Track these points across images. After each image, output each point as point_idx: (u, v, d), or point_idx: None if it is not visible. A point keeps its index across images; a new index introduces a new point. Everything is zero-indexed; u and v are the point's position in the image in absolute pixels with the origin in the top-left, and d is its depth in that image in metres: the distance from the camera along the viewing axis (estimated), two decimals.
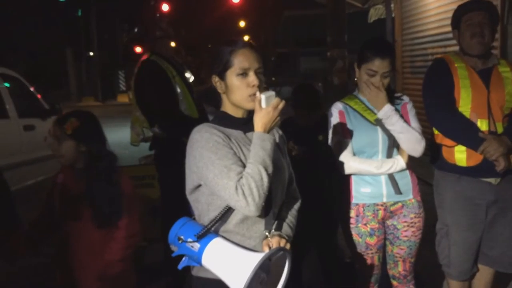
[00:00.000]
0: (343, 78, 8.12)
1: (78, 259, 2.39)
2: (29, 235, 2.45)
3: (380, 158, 2.51)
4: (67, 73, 26.96)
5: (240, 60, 1.78)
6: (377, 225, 2.54)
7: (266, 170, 1.65)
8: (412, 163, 2.56)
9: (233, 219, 1.74)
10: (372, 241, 2.54)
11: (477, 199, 2.71)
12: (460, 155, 2.68)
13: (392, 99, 2.54)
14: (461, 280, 2.82)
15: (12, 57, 18.60)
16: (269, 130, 1.72)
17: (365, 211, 2.53)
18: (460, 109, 2.66)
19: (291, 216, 1.90)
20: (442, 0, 6.90)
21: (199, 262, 1.66)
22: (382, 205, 2.53)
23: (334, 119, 2.56)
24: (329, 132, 2.59)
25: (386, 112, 2.46)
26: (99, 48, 27.58)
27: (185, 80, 3.68)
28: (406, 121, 2.49)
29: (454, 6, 2.98)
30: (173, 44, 3.96)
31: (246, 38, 2.20)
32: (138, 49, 21.00)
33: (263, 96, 1.71)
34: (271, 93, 1.73)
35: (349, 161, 2.49)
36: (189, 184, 1.80)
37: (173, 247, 1.74)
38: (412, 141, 2.45)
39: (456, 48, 2.89)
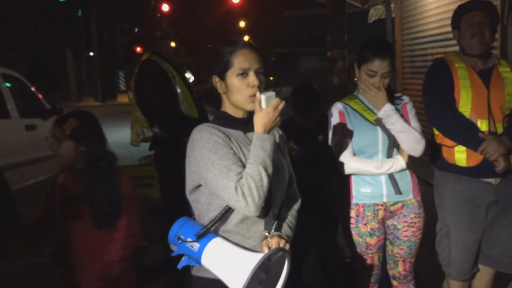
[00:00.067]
0: (343, 78, 8.12)
1: (78, 259, 2.39)
2: (29, 235, 2.45)
3: (380, 158, 2.51)
4: (67, 73, 26.94)
5: (240, 60, 1.78)
6: (377, 225, 2.54)
7: (266, 170, 1.65)
8: (412, 163, 2.56)
9: (233, 219, 1.75)
10: (372, 241, 2.54)
11: (477, 199, 2.71)
12: (460, 155, 2.68)
13: (392, 99, 2.54)
14: (461, 280, 2.83)
15: (12, 57, 18.59)
16: (269, 131, 1.72)
17: (365, 211, 2.53)
18: (460, 109, 2.66)
19: (291, 217, 1.90)
20: (442, 0, 6.91)
21: (198, 262, 1.66)
22: (382, 205, 2.53)
23: (334, 119, 2.56)
24: (329, 132, 2.59)
25: (387, 111, 2.46)
26: (99, 48, 27.57)
27: (185, 80, 3.68)
28: (406, 121, 2.50)
29: (454, 6, 2.98)
30: (173, 44, 3.97)
31: (246, 38, 2.21)
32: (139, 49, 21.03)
33: (263, 97, 1.71)
34: (271, 93, 1.73)
35: (349, 161, 2.49)
36: (189, 184, 1.80)
37: (173, 247, 1.75)
38: (412, 141, 2.45)
39: (456, 48, 2.89)
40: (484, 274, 2.90)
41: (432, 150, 2.82)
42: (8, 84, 6.14)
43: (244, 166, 1.68)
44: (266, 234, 1.74)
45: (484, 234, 2.77)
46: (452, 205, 2.77)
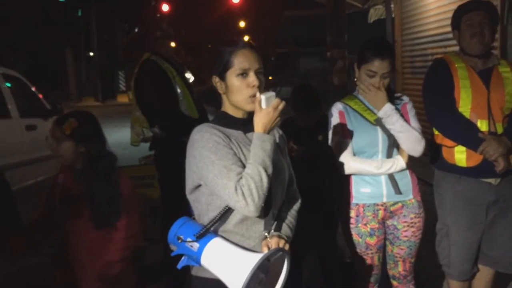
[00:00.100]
0: (343, 78, 8.12)
1: (78, 259, 2.39)
2: (29, 235, 2.45)
3: (380, 158, 2.51)
4: (67, 73, 26.93)
5: (240, 60, 1.78)
6: (377, 225, 2.54)
7: (265, 171, 1.65)
8: (412, 163, 2.56)
9: (233, 219, 1.75)
10: (372, 241, 2.54)
11: (477, 199, 2.71)
12: (460, 155, 2.68)
13: (392, 99, 2.54)
14: (461, 280, 2.83)
15: (12, 57, 18.59)
16: (269, 131, 1.72)
17: (365, 211, 2.53)
18: (460, 109, 2.66)
19: (291, 217, 1.90)
20: (442, 0, 6.90)
21: (198, 261, 1.66)
22: (382, 205, 2.53)
23: (334, 119, 2.56)
24: (329, 132, 2.59)
25: (387, 111, 2.46)
26: (99, 48, 27.56)
27: (185, 80, 3.68)
28: (406, 121, 2.50)
29: (454, 6, 2.98)
30: (173, 44, 3.97)
31: (246, 38, 2.21)
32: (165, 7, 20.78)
33: (263, 97, 1.71)
34: (271, 93, 1.73)
35: (349, 161, 2.49)
36: (189, 184, 1.80)
37: (173, 247, 1.75)
38: (412, 141, 2.45)
39: (456, 48, 2.89)
40: (484, 274, 2.90)
41: (432, 150, 2.82)
42: (8, 84, 6.15)
43: (244, 167, 1.68)
44: (266, 234, 1.74)
45: (484, 234, 2.77)
46: (452, 205, 2.77)
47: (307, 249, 3.32)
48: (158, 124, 3.52)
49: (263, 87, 1.80)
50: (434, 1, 7.22)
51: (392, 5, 8.56)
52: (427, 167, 3.08)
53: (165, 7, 21.55)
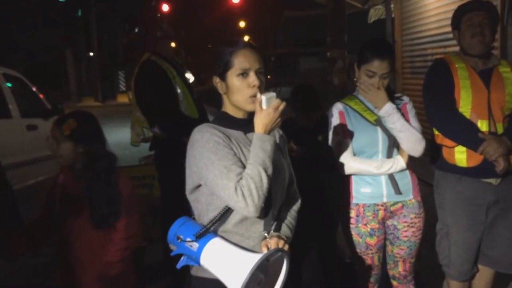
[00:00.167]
0: (343, 78, 8.13)
1: (78, 259, 2.39)
2: (29, 235, 2.45)
3: (380, 158, 2.51)
4: (67, 73, 26.95)
5: (241, 60, 1.78)
6: (377, 225, 2.54)
7: (265, 171, 1.65)
8: (412, 163, 2.56)
9: (232, 219, 1.75)
10: (372, 241, 2.54)
11: (478, 199, 2.71)
12: (460, 155, 2.68)
13: (392, 99, 2.54)
14: (461, 280, 2.83)
15: (12, 57, 18.60)
16: (269, 131, 1.72)
17: (365, 211, 2.53)
18: (460, 109, 2.66)
19: (291, 217, 1.90)
20: (442, 0, 6.91)
21: (197, 261, 1.66)
22: (382, 205, 2.53)
23: (334, 119, 2.56)
24: (329, 133, 2.59)
25: (388, 110, 2.46)
26: (99, 48, 27.58)
27: (185, 80, 3.68)
28: (407, 121, 2.50)
29: (454, 6, 2.98)
30: (173, 44, 3.97)
31: (246, 38, 2.21)
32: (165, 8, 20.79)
33: (263, 97, 1.71)
34: (272, 94, 1.73)
35: (349, 161, 2.49)
36: (189, 184, 1.80)
37: (172, 247, 1.75)
38: (412, 141, 2.45)
39: (456, 48, 2.89)
40: (484, 275, 2.89)
41: (432, 151, 2.82)
42: (9, 84, 6.15)
43: (244, 167, 1.68)
44: (265, 234, 1.74)
45: (484, 235, 2.77)
46: (452, 205, 2.77)
47: (307, 249, 3.32)
48: (158, 124, 3.52)
49: (264, 87, 1.80)
50: (434, 1, 7.22)
51: (392, 5, 8.57)
52: (427, 167, 3.08)
53: (165, 7, 21.55)
